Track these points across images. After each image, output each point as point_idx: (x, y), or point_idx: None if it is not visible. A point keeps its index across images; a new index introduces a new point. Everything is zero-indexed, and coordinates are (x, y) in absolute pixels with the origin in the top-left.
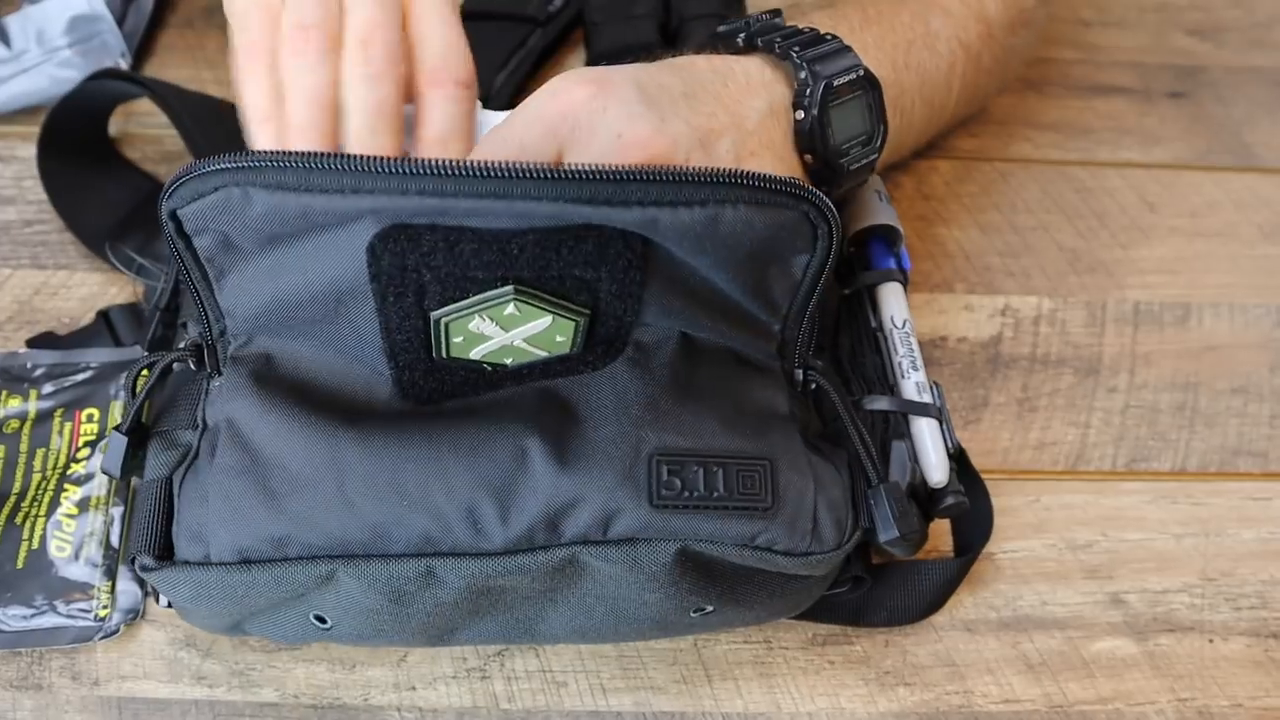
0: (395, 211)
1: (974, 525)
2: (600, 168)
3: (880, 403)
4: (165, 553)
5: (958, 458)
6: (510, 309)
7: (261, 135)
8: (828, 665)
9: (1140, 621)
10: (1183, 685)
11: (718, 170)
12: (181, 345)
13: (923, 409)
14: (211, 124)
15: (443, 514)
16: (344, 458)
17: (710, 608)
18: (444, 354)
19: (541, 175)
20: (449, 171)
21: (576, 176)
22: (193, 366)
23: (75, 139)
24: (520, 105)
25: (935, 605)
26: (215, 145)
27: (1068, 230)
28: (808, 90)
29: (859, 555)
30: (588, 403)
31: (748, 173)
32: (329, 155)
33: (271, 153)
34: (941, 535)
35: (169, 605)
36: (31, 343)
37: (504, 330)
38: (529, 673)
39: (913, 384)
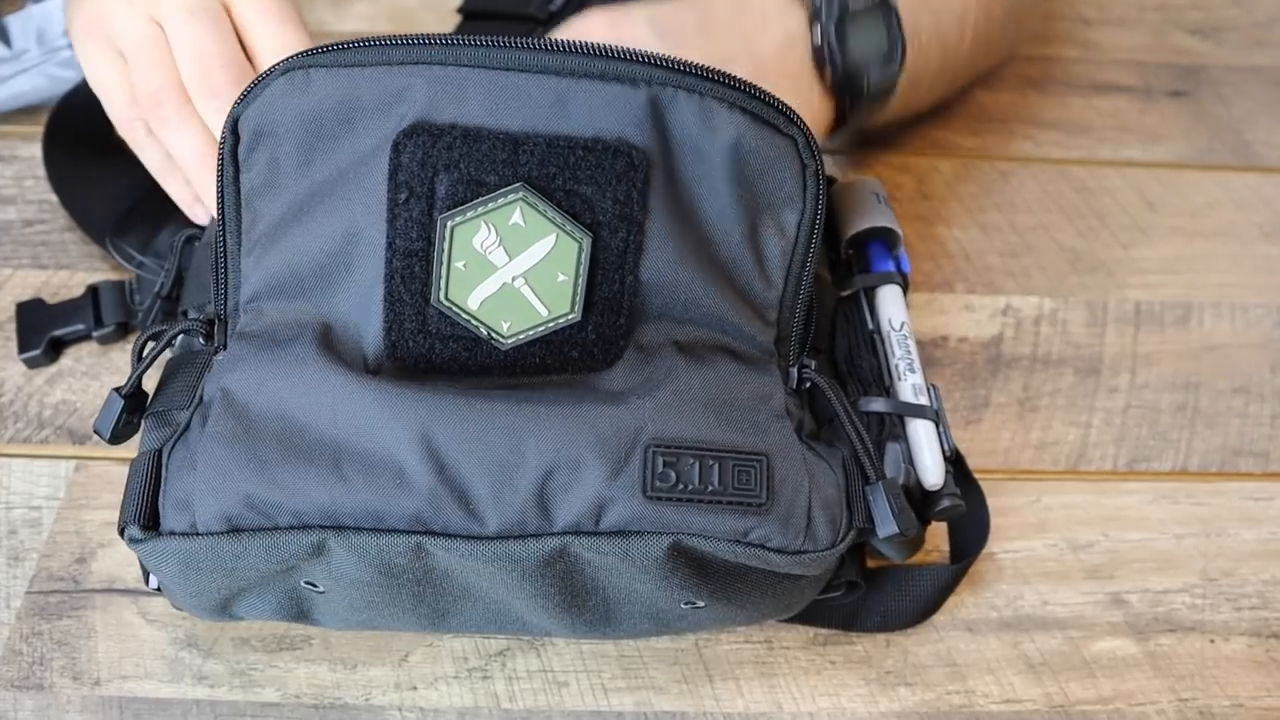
0: (431, 95)
1: (970, 530)
2: (613, 48)
3: (876, 404)
4: (152, 523)
5: (954, 461)
6: (516, 215)
7: (175, 188)
8: (829, 665)
9: (1141, 621)
10: (1184, 685)
11: (714, 69)
12: (195, 317)
13: (919, 411)
14: None
15: (436, 495)
16: (341, 433)
17: (701, 603)
18: (443, 293)
19: (565, 49)
20: (488, 43)
21: (594, 52)
22: (201, 341)
23: (81, 132)
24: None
25: (930, 610)
26: None
27: (1068, 230)
28: (822, 7)
29: (853, 560)
30: (584, 393)
31: (742, 80)
32: (382, 36)
33: (333, 43)
34: (938, 538)
35: (158, 589)
36: (21, 307)
37: (507, 254)
38: (530, 672)
39: (909, 386)
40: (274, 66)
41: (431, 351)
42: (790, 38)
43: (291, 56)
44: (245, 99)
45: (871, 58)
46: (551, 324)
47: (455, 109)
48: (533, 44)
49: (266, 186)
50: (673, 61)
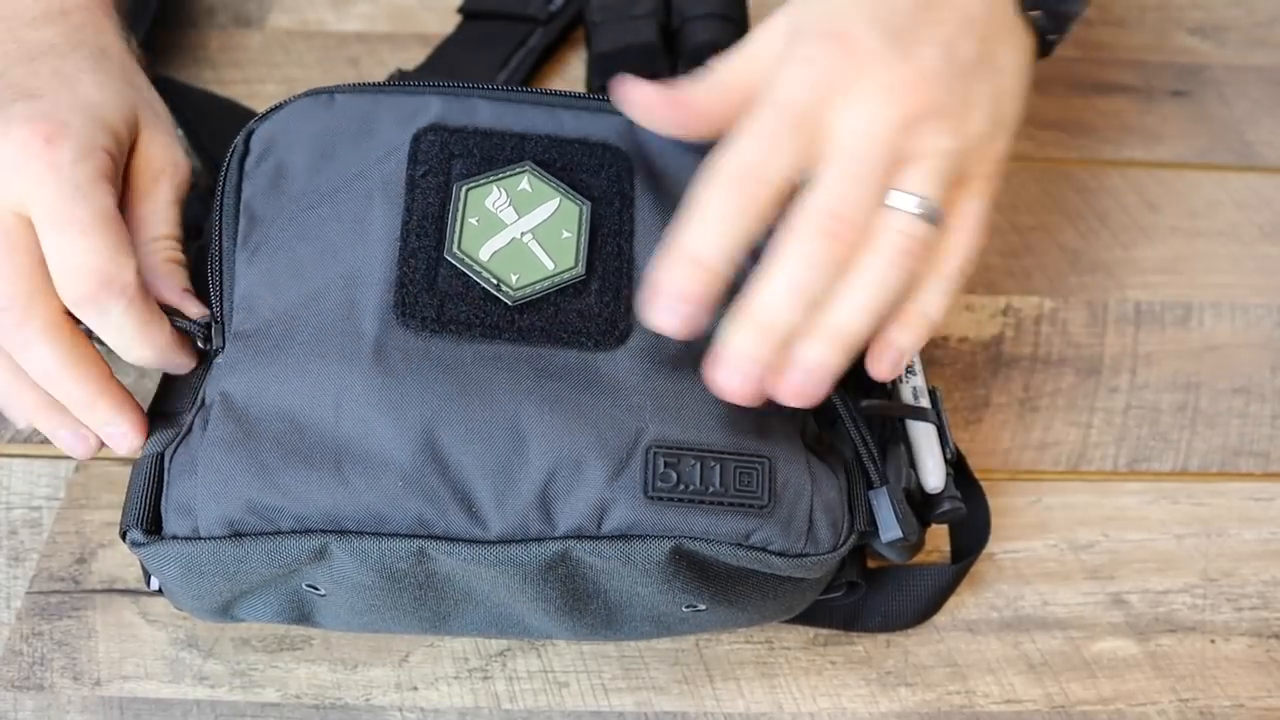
0: (446, 110)
1: (971, 531)
2: (596, 97)
3: (878, 407)
4: (154, 527)
5: (955, 463)
6: (524, 183)
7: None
8: (829, 665)
9: (1142, 622)
10: (1184, 686)
11: None
12: (194, 320)
13: (920, 414)
14: (216, 121)
15: (438, 496)
16: (343, 435)
17: (703, 606)
18: (456, 244)
19: (555, 92)
20: (498, 86)
21: (578, 94)
22: (200, 344)
23: None
24: (775, 79)
25: (930, 610)
26: (218, 142)
27: (1069, 230)
28: None
29: (854, 560)
30: (587, 389)
31: None
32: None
33: (359, 84)
34: (939, 538)
35: (159, 591)
36: None
37: (516, 213)
38: (530, 673)
39: (910, 388)
40: (300, 94)
41: (441, 311)
42: None
43: (316, 89)
44: (265, 117)
45: None
46: (557, 279)
47: (466, 119)
48: (529, 89)
49: (270, 190)
50: None
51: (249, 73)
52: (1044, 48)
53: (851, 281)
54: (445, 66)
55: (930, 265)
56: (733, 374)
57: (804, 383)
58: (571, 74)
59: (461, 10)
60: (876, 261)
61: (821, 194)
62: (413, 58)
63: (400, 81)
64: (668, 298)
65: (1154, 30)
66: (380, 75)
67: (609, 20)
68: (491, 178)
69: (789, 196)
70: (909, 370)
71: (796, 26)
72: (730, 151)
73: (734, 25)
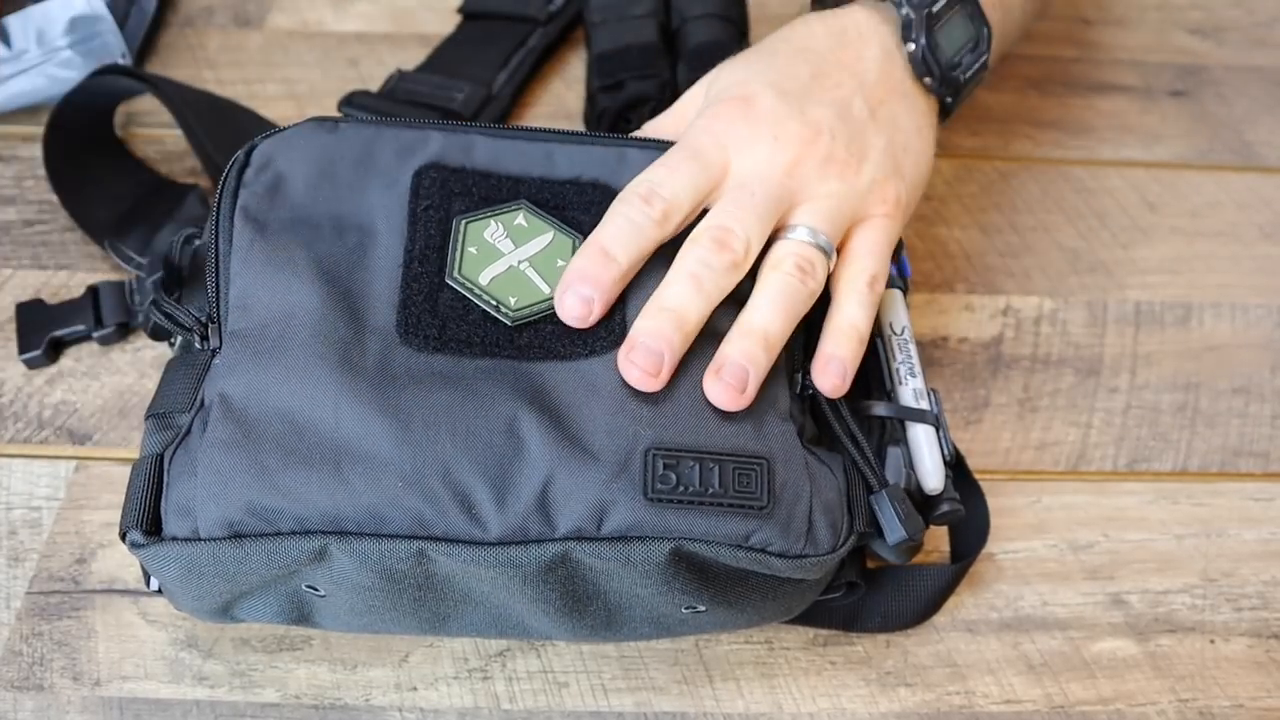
0: (444, 147)
1: (970, 531)
2: (588, 133)
3: (877, 408)
4: (154, 528)
5: (955, 465)
6: (520, 219)
7: None
8: (829, 666)
9: (1141, 622)
10: (1184, 686)
11: (663, 141)
12: (195, 316)
13: (919, 415)
14: (215, 121)
15: (438, 497)
16: (343, 436)
17: (702, 607)
18: (457, 269)
19: (546, 129)
20: (491, 125)
21: (568, 130)
22: (198, 345)
23: (81, 132)
24: (687, 130)
25: (930, 611)
26: (218, 142)
27: (1068, 230)
28: (912, 22)
29: (854, 561)
30: (585, 394)
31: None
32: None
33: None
34: (938, 539)
35: (159, 591)
36: (21, 307)
37: (513, 244)
38: (530, 673)
39: (910, 390)
40: (305, 119)
41: (443, 330)
42: (887, 50)
43: (321, 117)
44: (268, 136)
45: (963, 52)
46: (554, 302)
47: (463, 158)
48: (526, 127)
49: (267, 197)
50: (632, 138)
51: (249, 73)
52: (945, 109)
53: (759, 289)
54: (445, 66)
55: (845, 282)
56: (639, 351)
57: (734, 376)
58: (571, 74)
59: (461, 10)
60: (775, 275)
61: (714, 213)
62: (413, 58)
63: (400, 82)
64: (573, 280)
65: (1154, 30)
66: (380, 75)
67: (609, 20)
68: (489, 213)
69: (690, 218)
70: (909, 372)
71: (711, 93)
72: (640, 174)
73: (733, 25)
